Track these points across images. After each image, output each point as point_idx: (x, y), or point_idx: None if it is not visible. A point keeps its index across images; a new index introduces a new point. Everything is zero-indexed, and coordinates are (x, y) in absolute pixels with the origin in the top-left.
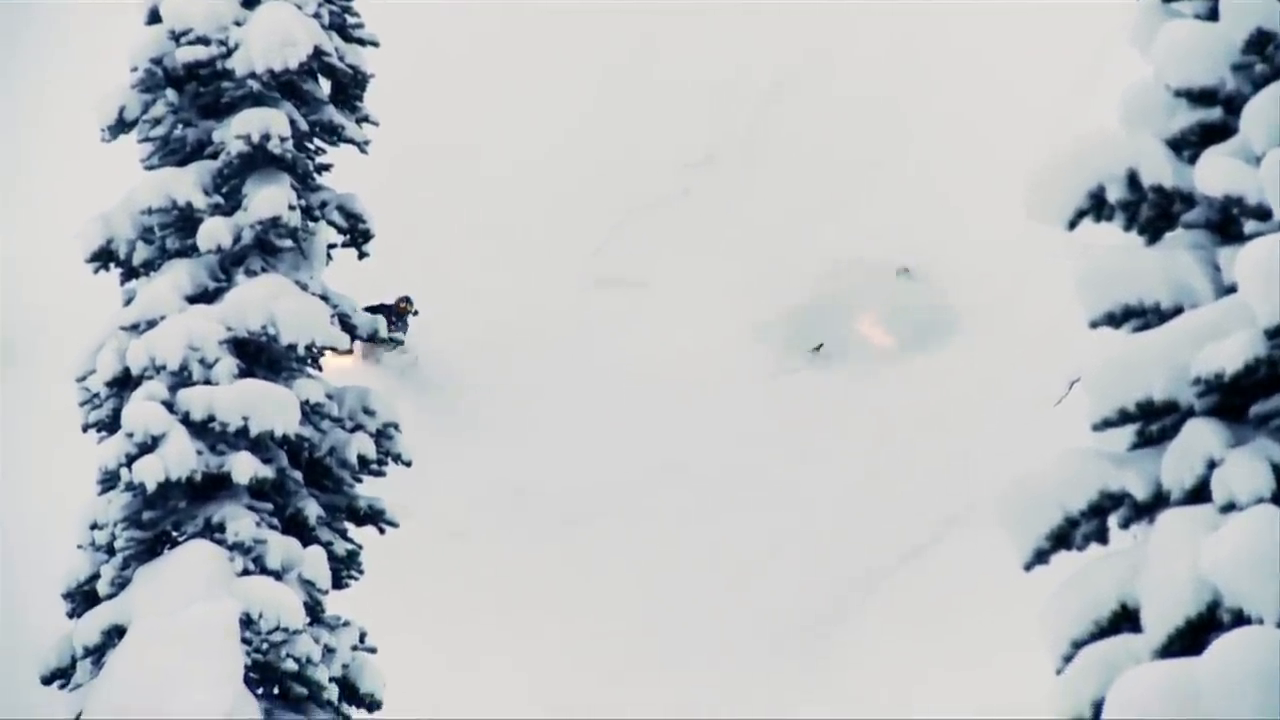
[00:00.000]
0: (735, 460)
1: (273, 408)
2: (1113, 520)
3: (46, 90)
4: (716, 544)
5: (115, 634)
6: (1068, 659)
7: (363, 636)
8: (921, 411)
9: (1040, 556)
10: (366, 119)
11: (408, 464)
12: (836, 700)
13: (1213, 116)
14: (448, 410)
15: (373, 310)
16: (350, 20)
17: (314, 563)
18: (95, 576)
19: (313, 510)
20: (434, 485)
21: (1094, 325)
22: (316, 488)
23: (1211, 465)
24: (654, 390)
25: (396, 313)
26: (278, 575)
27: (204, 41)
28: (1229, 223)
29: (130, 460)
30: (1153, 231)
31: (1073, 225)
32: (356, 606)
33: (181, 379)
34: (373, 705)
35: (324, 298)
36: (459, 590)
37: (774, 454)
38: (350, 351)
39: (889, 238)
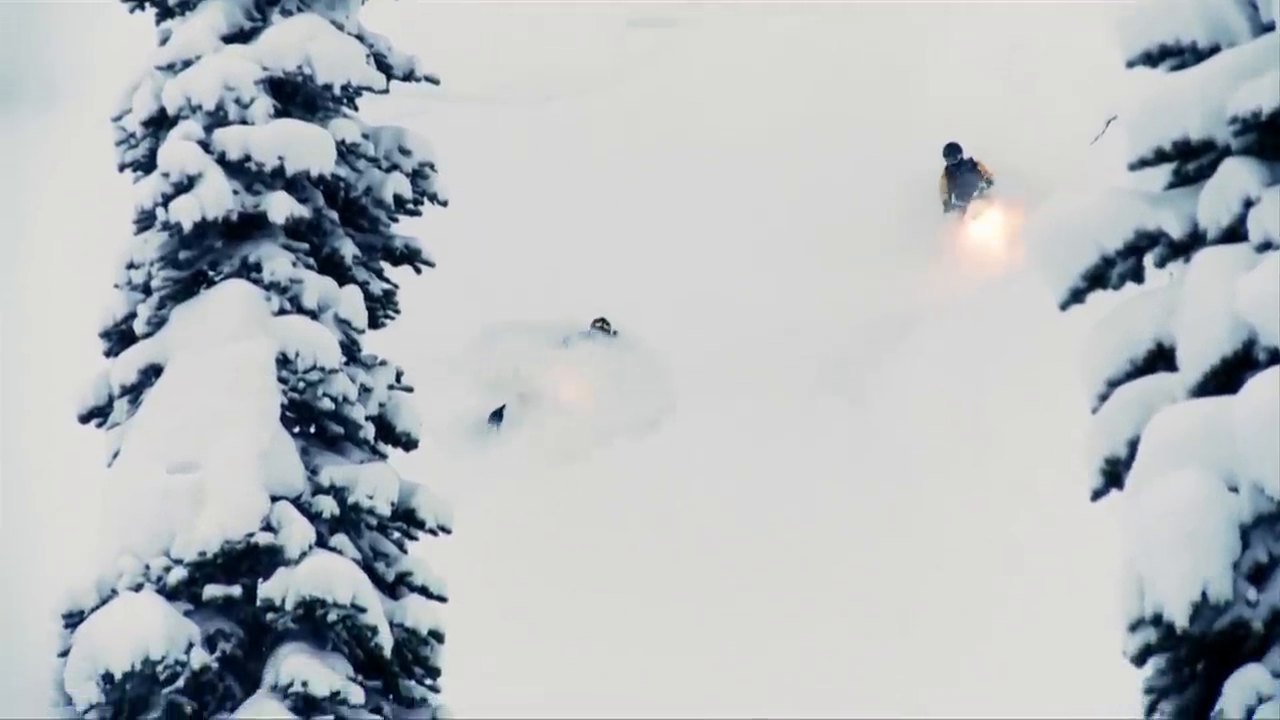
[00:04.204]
0: (770, 215)
1: (308, 147)
2: (1149, 259)
3: None
4: (751, 289)
5: (152, 373)
6: (1103, 398)
7: (399, 375)
8: None
9: (1076, 296)
10: None
11: (444, 204)
12: (873, 435)
13: None
14: None
15: None
16: None
17: (350, 302)
18: (132, 316)
19: (349, 250)
20: None
21: (1130, 65)
22: (352, 227)
23: (1248, 204)
24: (688, 132)
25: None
26: (314, 314)
27: None
28: None
29: (166, 200)
30: None
31: None
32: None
33: (217, 119)
34: (409, 444)
35: (360, 38)
36: None
37: (807, 204)
38: None
39: None
